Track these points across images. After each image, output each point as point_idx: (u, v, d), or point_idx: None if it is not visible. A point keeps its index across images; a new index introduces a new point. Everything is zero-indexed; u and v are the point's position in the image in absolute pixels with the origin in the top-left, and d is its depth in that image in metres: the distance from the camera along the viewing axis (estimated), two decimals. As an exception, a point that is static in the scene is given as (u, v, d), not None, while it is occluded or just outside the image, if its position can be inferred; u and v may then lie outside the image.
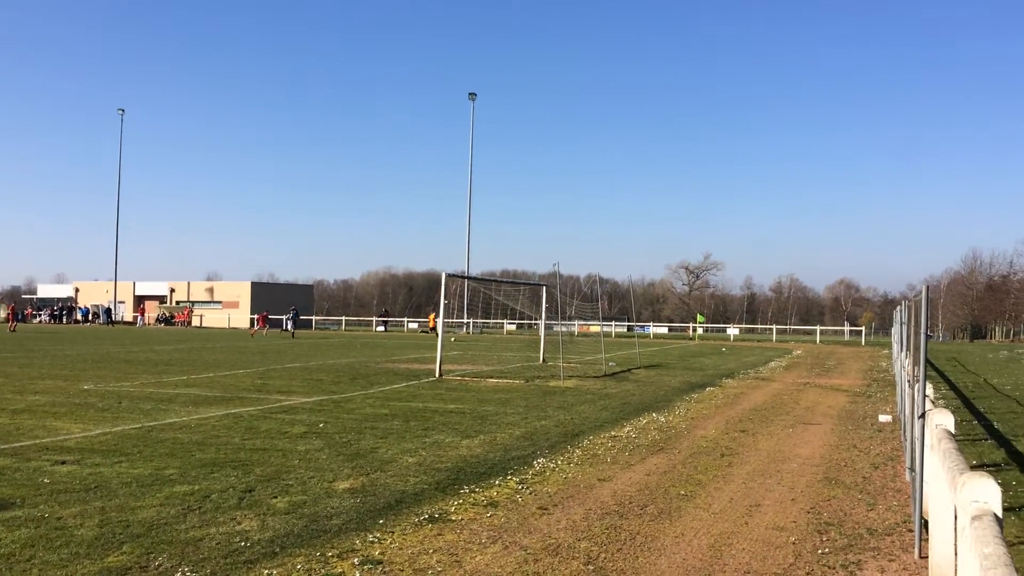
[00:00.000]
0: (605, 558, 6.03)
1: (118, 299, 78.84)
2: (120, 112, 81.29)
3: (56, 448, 9.91)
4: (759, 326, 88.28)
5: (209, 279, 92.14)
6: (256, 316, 52.34)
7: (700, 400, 16.85)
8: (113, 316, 75.52)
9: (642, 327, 71.15)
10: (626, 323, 67.48)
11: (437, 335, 37.46)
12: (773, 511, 7.57)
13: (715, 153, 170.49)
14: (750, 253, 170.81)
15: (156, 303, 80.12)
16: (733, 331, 68.26)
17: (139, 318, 75.14)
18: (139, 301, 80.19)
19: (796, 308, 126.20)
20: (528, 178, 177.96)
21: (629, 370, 24.58)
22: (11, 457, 9.26)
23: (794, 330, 79.84)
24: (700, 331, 63.50)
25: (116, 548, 5.97)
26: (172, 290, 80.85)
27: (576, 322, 40.11)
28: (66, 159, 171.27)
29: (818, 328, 64.57)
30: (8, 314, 53.83)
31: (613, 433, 12.04)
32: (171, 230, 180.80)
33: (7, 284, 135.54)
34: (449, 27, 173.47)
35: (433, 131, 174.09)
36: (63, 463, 8.97)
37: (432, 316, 46.52)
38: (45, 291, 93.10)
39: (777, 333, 65.22)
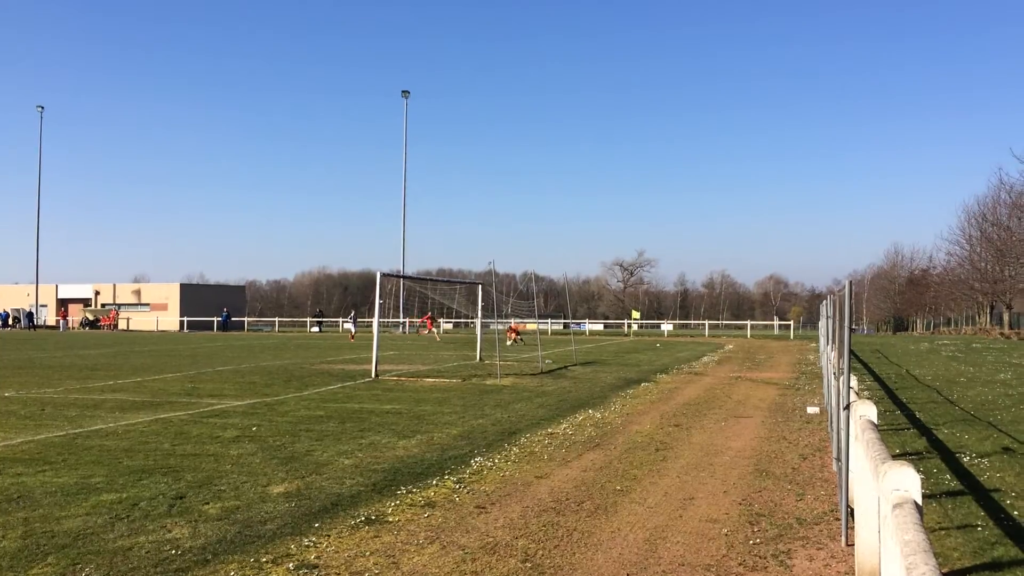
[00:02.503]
0: (542, 555, 6.07)
1: (40, 302, 76.11)
2: (39, 109, 78.46)
3: (-26, 458, 9.53)
4: (692, 321, 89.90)
5: (136, 281, 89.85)
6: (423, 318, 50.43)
7: (635, 396, 17.07)
8: (35, 320, 72.87)
9: (578, 324, 71.75)
10: (562, 320, 67.96)
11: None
12: (706, 504, 7.71)
13: (647, 151, 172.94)
14: (683, 250, 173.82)
15: (80, 306, 77.62)
16: (667, 327, 69.33)
17: (62, 322, 72.73)
18: (62, 304, 77.58)
19: (728, 303, 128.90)
20: (463, 177, 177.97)
21: (566, 367, 24.76)
22: (-74, 469, 8.88)
23: (726, 325, 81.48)
24: (635, 327, 64.35)
25: (41, 559, 5.77)
26: (97, 292, 78.40)
27: (513, 320, 40.20)
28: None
29: (749, 323, 66.03)
30: None
31: (550, 430, 12.11)
32: (95, 231, 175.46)
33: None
34: (382, 26, 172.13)
35: (366, 130, 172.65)
36: (-18, 474, 8.63)
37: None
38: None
39: (709, 328, 66.50)
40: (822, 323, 20.77)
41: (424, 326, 47.61)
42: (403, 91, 67.63)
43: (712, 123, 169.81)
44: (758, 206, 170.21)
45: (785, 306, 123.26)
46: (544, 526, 6.85)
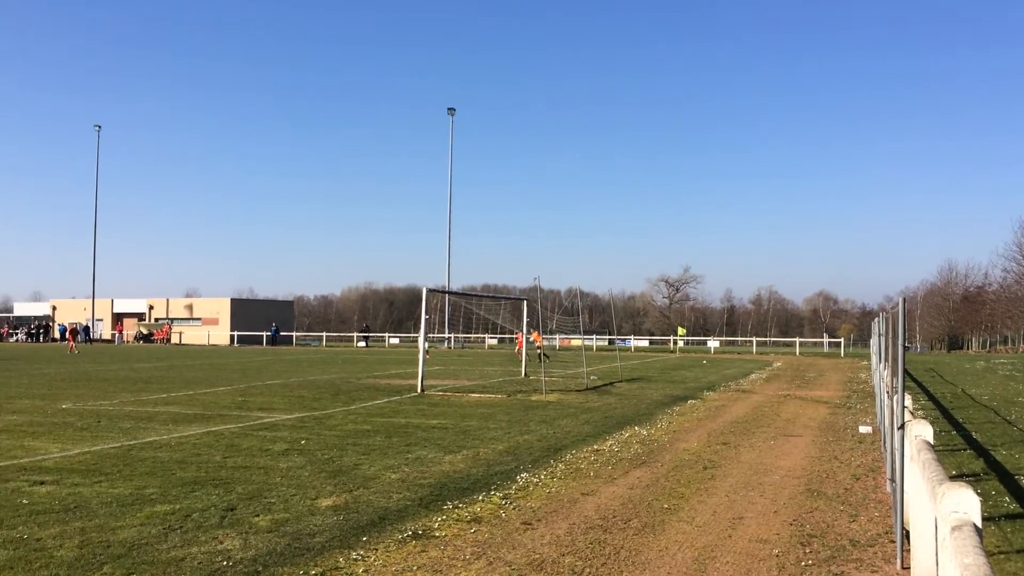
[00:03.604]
0: (589, 573, 6.03)
1: (96, 317, 78.05)
2: (96, 128, 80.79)
3: (34, 468, 9.79)
4: (739, 338, 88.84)
5: (188, 296, 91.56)
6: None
7: (682, 413, 16.91)
8: (91, 334, 74.72)
9: (623, 340, 71.34)
10: (607, 336, 67.66)
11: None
12: (756, 523, 7.60)
13: (694, 166, 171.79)
14: (729, 266, 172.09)
15: (135, 320, 79.42)
16: (713, 343, 68.59)
17: (117, 335, 74.41)
18: (117, 318, 79.46)
19: (776, 320, 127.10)
20: (508, 192, 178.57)
21: (611, 384, 24.63)
22: (-12, 478, 9.14)
23: (774, 342, 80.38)
24: (681, 344, 63.75)
25: (96, 569, 5.90)
26: (151, 307, 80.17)
27: (557, 336, 40.09)
28: (42, 176, 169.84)
29: (797, 340, 65.07)
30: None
31: (596, 447, 12.05)
32: (149, 247, 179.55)
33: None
34: (429, 40, 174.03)
35: (413, 145, 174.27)
36: (41, 484, 8.86)
37: (519, 336, 41.17)
38: (21, 309, 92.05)
39: (757, 345, 65.64)
40: (874, 341, 20.38)
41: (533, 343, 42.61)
42: (449, 108, 68.28)
43: (759, 138, 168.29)
44: (806, 221, 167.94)
45: (835, 323, 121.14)
46: (591, 543, 6.81)
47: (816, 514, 7.98)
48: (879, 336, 14.32)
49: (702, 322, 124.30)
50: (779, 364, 40.19)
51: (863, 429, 14.20)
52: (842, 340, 64.48)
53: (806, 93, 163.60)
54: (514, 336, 40.01)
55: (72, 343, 50.01)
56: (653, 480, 9.61)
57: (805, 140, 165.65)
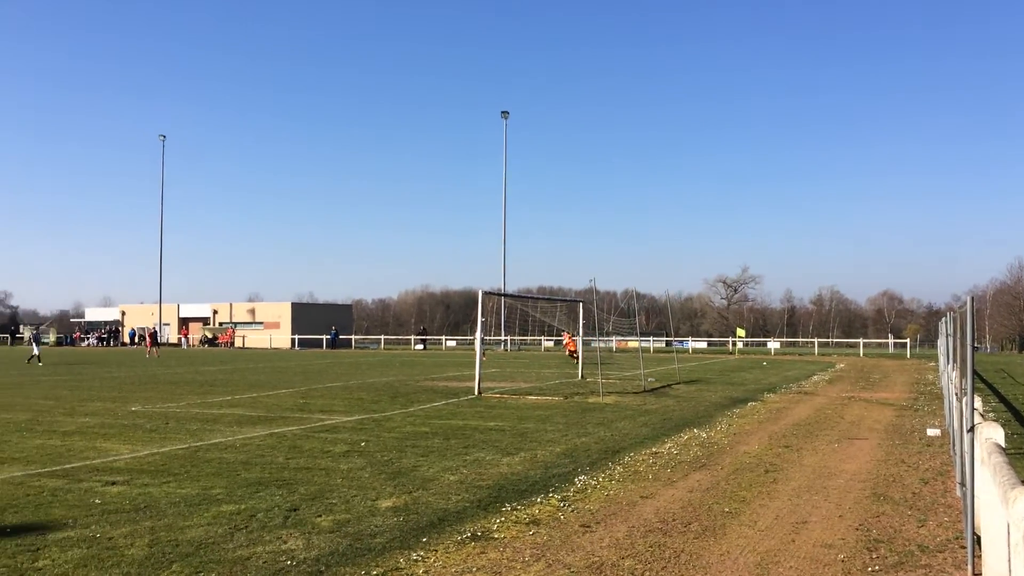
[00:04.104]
0: (650, 576, 6.00)
1: (163, 321, 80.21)
2: (161, 138, 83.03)
3: (106, 469, 10.11)
4: (800, 339, 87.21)
5: (250, 300, 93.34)
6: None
7: (742, 415, 16.68)
8: (159, 338, 76.78)
9: (680, 342, 70.65)
10: (664, 338, 67.09)
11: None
12: (820, 528, 7.46)
13: (750, 165, 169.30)
14: (789, 266, 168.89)
15: (200, 324, 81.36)
16: (774, 345, 67.50)
17: (183, 339, 76.32)
18: (183, 323, 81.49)
19: (838, 321, 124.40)
20: (563, 193, 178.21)
21: (668, 386, 24.42)
22: (63, 479, 9.46)
23: (836, 343, 78.72)
24: (740, 345, 62.87)
25: (166, 567, 6.07)
26: (215, 311, 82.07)
27: (614, 338, 39.91)
28: (111, 184, 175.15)
29: (861, 341, 63.65)
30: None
31: (654, 449, 11.96)
32: (213, 252, 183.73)
33: (56, 308, 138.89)
34: (482, 41, 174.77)
35: (468, 148, 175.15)
36: (113, 484, 9.14)
37: (569, 337, 40.15)
38: (92, 315, 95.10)
39: (819, 346, 64.36)
40: (941, 341, 19.83)
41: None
42: (502, 112, 68.48)
43: (818, 136, 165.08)
44: (869, 219, 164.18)
45: (900, 323, 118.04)
46: (651, 547, 6.76)
47: (883, 519, 7.80)
48: (946, 336, 13.94)
49: (761, 323, 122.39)
50: (842, 365, 39.36)
51: (931, 432, 13.83)
52: (908, 341, 62.80)
53: (870, 90, 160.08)
54: (562, 337, 39.87)
55: (150, 347, 51.28)
56: (713, 483, 9.50)
57: (868, 138, 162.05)
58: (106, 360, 44.21)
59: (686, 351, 61.66)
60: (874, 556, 6.55)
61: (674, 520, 7.68)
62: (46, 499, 8.35)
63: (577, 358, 37.83)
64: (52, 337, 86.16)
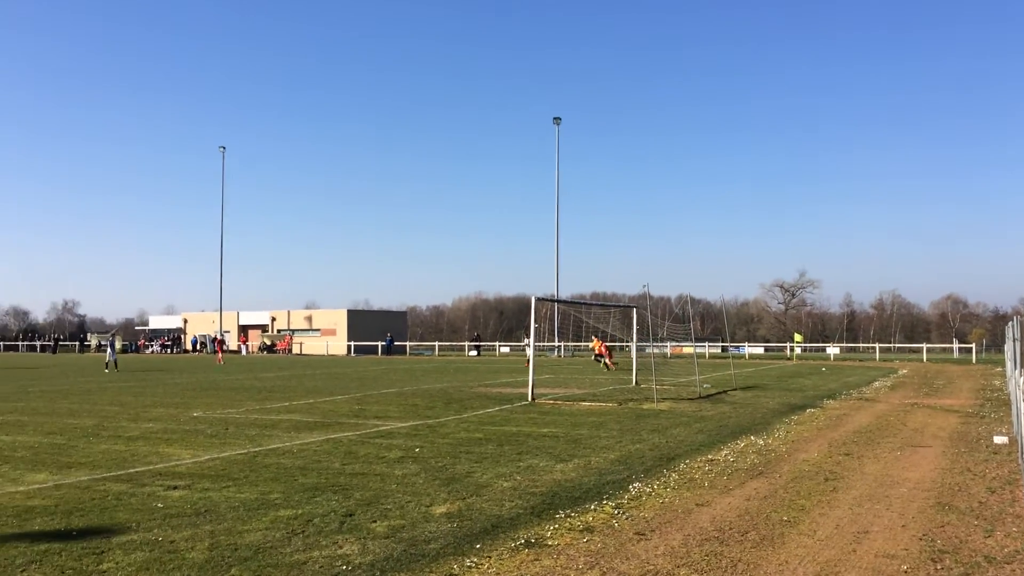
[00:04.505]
0: (706, 585, 5.91)
1: (223, 328, 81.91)
2: (221, 149, 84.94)
3: (168, 474, 10.35)
4: (861, 345, 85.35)
5: (307, 308, 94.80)
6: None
7: (800, 422, 16.37)
8: (226, 345, 78.40)
9: (737, 348, 69.69)
10: (720, 344, 66.26)
11: (606, 366, 37.23)
12: (883, 538, 7.27)
13: (808, 167, 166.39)
14: (848, 270, 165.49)
15: (259, 331, 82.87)
16: (833, 350, 66.18)
17: (243, 347, 77.80)
18: (243, 330, 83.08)
19: (900, 325, 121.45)
20: (616, 198, 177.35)
21: (725, 392, 24.09)
22: (127, 483, 9.71)
23: (898, 348, 76.81)
24: (798, 351, 61.78)
25: (225, 571, 6.18)
26: (273, 319, 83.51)
27: (668, 343, 39.53)
28: (174, 194, 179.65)
29: (924, 346, 62.08)
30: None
31: (710, 456, 11.81)
32: (271, 260, 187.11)
33: (122, 316, 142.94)
34: (534, 46, 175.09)
35: (519, 152, 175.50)
36: (175, 488, 9.35)
37: (598, 342, 39.98)
38: (156, 322, 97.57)
39: (880, 352, 62.92)
40: (1008, 346, 19.22)
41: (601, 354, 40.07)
42: (555, 118, 68.53)
43: (875, 137, 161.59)
44: (931, 222, 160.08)
45: (965, 328, 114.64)
46: (707, 555, 6.67)
47: (948, 528, 7.58)
48: (1014, 341, 13.49)
49: (820, 328, 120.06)
50: (905, 371, 38.40)
51: (998, 439, 13.40)
52: (973, 346, 60.99)
53: (933, 91, 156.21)
54: (605, 343, 39.77)
55: (220, 355, 52.32)
56: (771, 491, 9.33)
57: (926, 138, 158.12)
58: (169, 367, 45.30)
59: (742, 357, 60.79)
60: (939, 567, 6.36)
61: (731, 529, 7.57)
62: (111, 503, 8.58)
63: (607, 363, 37.74)
64: (118, 344, 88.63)
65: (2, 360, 57.24)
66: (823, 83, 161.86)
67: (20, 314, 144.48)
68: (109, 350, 42.08)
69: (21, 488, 9.43)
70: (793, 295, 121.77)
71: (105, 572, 6.15)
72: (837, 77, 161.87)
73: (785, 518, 8.00)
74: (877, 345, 66.14)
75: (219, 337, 58.14)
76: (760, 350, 72.66)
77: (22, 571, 6.17)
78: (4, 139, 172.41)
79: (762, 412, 18.39)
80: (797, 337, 63.90)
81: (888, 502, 8.78)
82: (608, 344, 39.06)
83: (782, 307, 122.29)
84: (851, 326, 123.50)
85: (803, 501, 8.80)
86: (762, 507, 8.49)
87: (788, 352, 62.96)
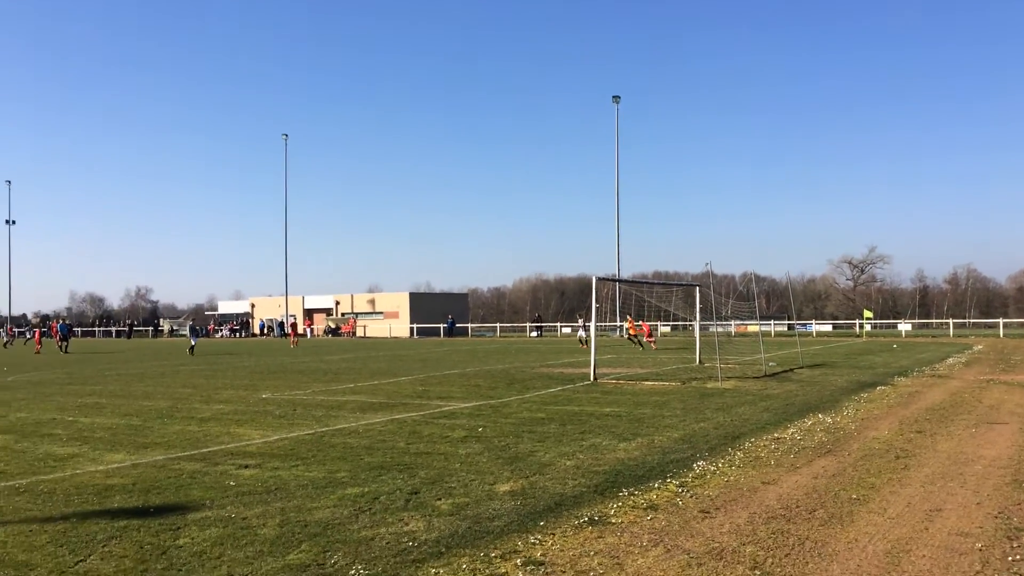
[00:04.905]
0: (772, 563, 5.84)
1: (289, 313, 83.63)
2: (284, 137, 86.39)
3: (239, 453, 10.63)
4: (933, 320, 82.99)
5: (370, 291, 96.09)
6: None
7: (870, 400, 16.01)
8: (286, 329, 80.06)
9: (803, 325, 68.40)
10: (786, 322, 65.10)
11: (640, 344, 37.21)
12: (956, 516, 7.09)
13: (875, 141, 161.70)
14: (920, 244, 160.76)
15: (323, 315, 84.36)
16: (904, 327, 64.51)
17: (308, 330, 79.32)
18: (308, 314, 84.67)
19: (975, 300, 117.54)
20: (678, 175, 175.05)
21: (791, 370, 23.69)
22: (200, 462, 10.01)
23: (974, 324, 74.48)
24: (867, 328, 60.36)
25: (296, 546, 6.33)
26: (337, 303, 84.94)
27: (732, 322, 39.00)
28: (240, 181, 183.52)
29: (1001, 321, 60.02)
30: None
31: (776, 435, 11.64)
32: (334, 245, 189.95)
33: (192, 302, 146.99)
34: (594, 25, 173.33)
35: (580, 132, 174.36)
36: (246, 467, 9.61)
37: (631, 322, 40.22)
38: (225, 307, 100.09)
39: (954, 327, 61.10)
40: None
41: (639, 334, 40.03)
42: (614, 97, 67.85)
43: (946, 110, 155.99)
44: (1007, 194, 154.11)
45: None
46: (773, 533, 6.58)
47: (1026, 507, 7.34)
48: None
49: (891, 304, 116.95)
50: (980, 347, 37.22)
51: (1081, 416, 12.91)
52: (1054, 320, 58.76)
53: (999, 66, 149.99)
54: (639, 324, 39.60)
55: (293, 337, 53.43)
56: (840, 470, 9.16)
57: (999, 111, 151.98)
58: (238, 350, 46.44)
59: (809, 334, 59.64)
60: (1015, 545, 6.17)
61: (798, 507, 7.46)
62: (185, 481, 8.86)
63: (640, 343, 37.42)
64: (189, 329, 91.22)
65: (80, 345, 59.40)
66: (886, 58, 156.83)
67: (96, 301, 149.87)
68: (191, 335, 44.08)
69: (101, 467, 9.80)
70: (862, 271, 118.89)
71: (182, 547, 6.36)
72: (903, 52, 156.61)
73: (854, 496, 7.85)
74: (951, 321, 64.20)
75: (293, 321, 59.37)
76: (828, 328, 71.22)
77: (103, 546, 6.43)
78: (80, 132, 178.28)
79: (830, 390, 18.04)
80: (867, 314, 62.35)
81: (962, 480, 8.54)
82: (674, 324, 38.81)
83: (851, 283, 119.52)
84: (923, 302, 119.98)
85: (873, 479, 8.61)
86: (830, 485, 8.34)
87: (857, 329, 61.57)
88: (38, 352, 45.80)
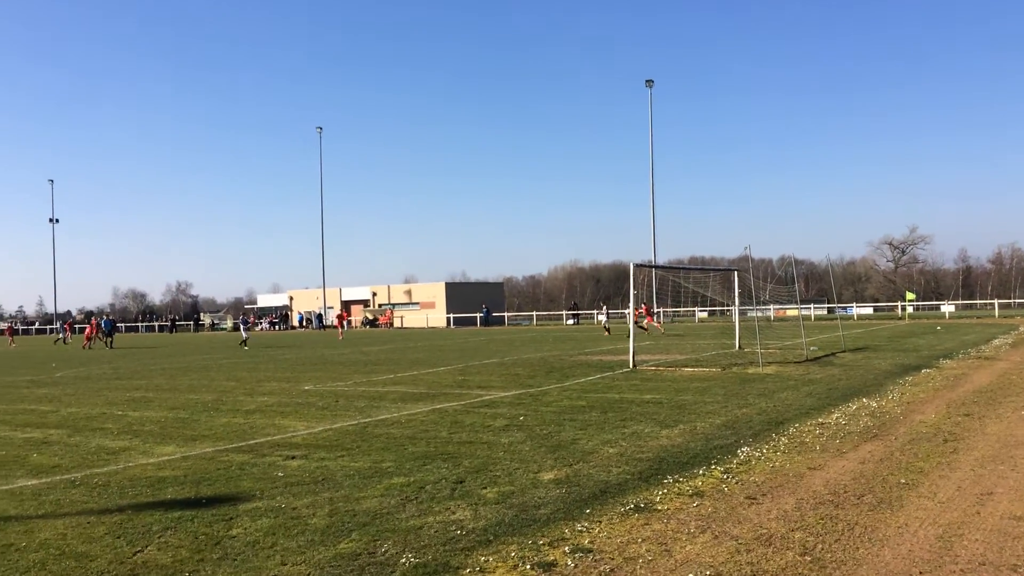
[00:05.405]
0: (822, 548, 5.81)
1: (327, 305, 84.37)
2: (318, 130, 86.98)
3: (285, 444, 10.79)
4: (978, 301, 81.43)
5: (406, 282, 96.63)
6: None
7: (915, 383, 15.79)
8: (324, 321, 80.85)
9: (844, 308, 67.50)
10: (826, 305, 64.31)
11: (646, 330, 37.21)
12: (1008, 499, 6.98)
13: (916, 119, 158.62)
14: (962, 223, 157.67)
15: (360, 307, 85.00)
16: (948, 308, 63.44)
17: (345, 322, 79.89)
18: (345, 306, 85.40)
19: (1020, 280, 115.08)
20: (712, 159, 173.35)
21: (833, 354, 23.43)
22: (248, 453, 10.18)
23: (1019, 304, 72.90)
24: (910, 310, 59.41)
25: (346, 535, 6.43)
26: (374, 294, 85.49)
27: (772, 306, 38.63)
28: (274, 177, 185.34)
29: (1049, 300, 58.69)
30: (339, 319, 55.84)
31: (820, 420, 11.54)
32: (369, 237, 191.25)
33: (231, 296, 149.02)
34: (627, 6, 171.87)
35: (612, 118, 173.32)
36: (293, 458, 9.75)
37: (637, 311, 40.04)
38: (264, 301, 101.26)
39: (1000, 308, 59.90)
40: None
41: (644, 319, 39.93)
42: (647, 80, 67.31)
43: (985, 86, 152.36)
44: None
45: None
46: (821, 519, 6.55)
47: (1081, 491, 7.21)
48: None
49: (933, 285, 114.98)
50: (1027, 327, 36.46)
51: None
52: (1104, 298, 57.36)
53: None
54: (643, 310, 39.56)
55: (340, 329, 53.89)
56: (887, 454, 9.06)
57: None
58: (278, 343, 47.01)
59: (850, 318, 58.84)
60: (1073, 530, 6.07)
61: (846, 492, 7.40)
62: (235, 472, 9.02)
63: (643, 325, 37.32)
64: (229, 323, 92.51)
65: (125, 340, 60.50)
66: (925, 34, 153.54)
67: (138, 296, 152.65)
68: (243, 329, 44.91)
69: (152, 460, 10.01)
70: (903, 252, 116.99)
71: (235, 537, 6.49)
72: (943, 29, 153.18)
73: (903, 481, 7.77)
74: (996, 301, 62.92)
75: (340, 313, 60.00)
76: (869, 310, 70.25)
77: (159, 536, 6.58)
78: (120, 131, 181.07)
79: (874, 374, 17.82)
80: (909, 296, 61.39)
81: (1013, 463, 8.41)
82: (711, 309, 38.71)
83: (891, 265, 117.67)
84: (967, 282, 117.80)
85: (921, 463, 8.51)
86: (878, 470, 8.26)
87: (900, 311, 60.63)
88: (86, 347, 46.74)
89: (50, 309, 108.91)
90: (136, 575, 5.69)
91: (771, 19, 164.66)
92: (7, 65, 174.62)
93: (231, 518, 7.06)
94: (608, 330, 41.70)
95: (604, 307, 49.64)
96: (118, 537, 6.60)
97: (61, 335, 61.59)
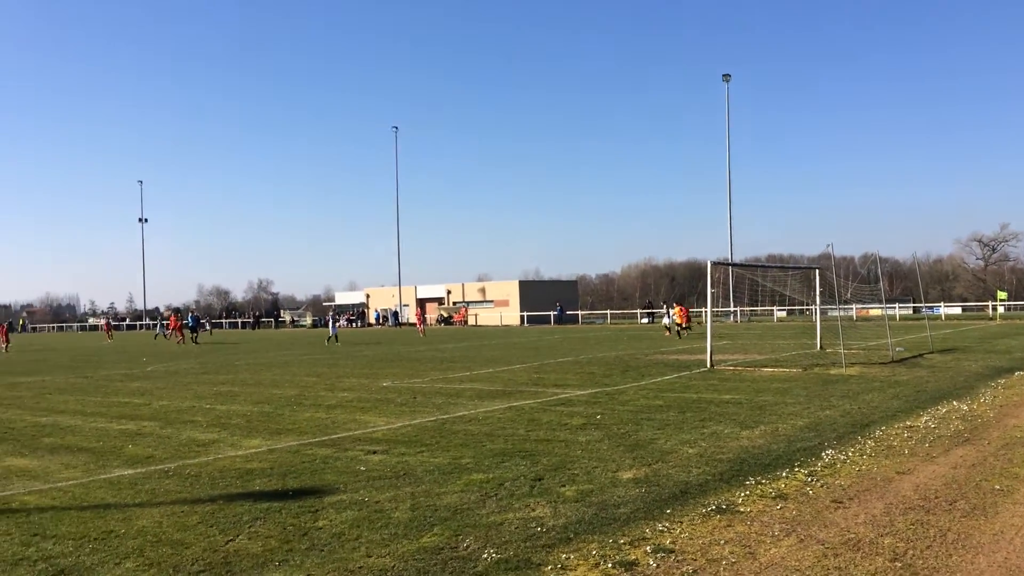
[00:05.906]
0: (913, 555, 5.65)
1: (403, 302, 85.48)
2: (394, 129, 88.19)
3: (366, 439, 11.01)
4: (1076, 301, 77.65)
5: (480, 280, 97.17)
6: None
7: (1009, 386, 15.18)
8: (400, 318, 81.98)
9: (931, 308, 65.24)
10: (912, 304, 62.29)
11: (679, 333, 36.72)
12: (1114, 510, 6.67)
13: (1003, 111, 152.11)
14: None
15: (435, 305, 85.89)
16: (1043, 308, 60.57)
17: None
18: (420, 304, 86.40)
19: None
20: (792, 154, 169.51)
21: (920, 355, 22.68)
22: (331, 448, 10.42)
23: (1122, 304, 69.21)
24: (1001, 310, 57.05)
25: (428, 530, 6.53)
26: (448, 292, 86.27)
27: (854, 306, 37.58)
28: (351, 176, 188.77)
29: None
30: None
31: (908, 423, 11.20)
32: (444, 235, 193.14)
33: (310, 293, 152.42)
34: (702, 3, 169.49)
35: (688, 112, 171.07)
36: (374, 453, 9.94)
37: (679, 310, 39.28)
38: (341, 298, 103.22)
39: (1100, 308, 56.99)
40: None
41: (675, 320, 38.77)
42: (724, 75, 66.31)
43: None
44: None
45: None
46: (912, 524, 6.36)
47: None
48: None
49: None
50: None
51: None
52: None
53: None
54: (673, 309, 38.81)
55: (421, 326, 54.53)
56: (980, 459, 8.75)
57: None
58: (356, 340, 47.87)
59: (938, 318, 56.82)
60: None
61: (936, 498, 7.17)
62: (319, 466, 9.24)
63: (680, 329, 36.50)
64: (308, 320, 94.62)
65: (209, 336, 62.42)
66: (1013, 25, 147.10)
67: (222, 294, 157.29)
68: (332, 325, 45.76)
69: (240, 452, 10.34)
70: (994, 249, 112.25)
71: (321, 529, 6.66)
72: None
73: (997, 487, 7.49)
74: (1095, 301, 59.90)
75: (419, 311, 60.83)
76: (957, 310, 67.73)
77: (249, 526, 6.80)
78: (204, 135, 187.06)
79: (964, 376, 17.19)
80: (1001, 295, 58.94)
81: (1119, 471, 8.02)
82: (791, 308, 37.89)
83: (981, 263, 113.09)
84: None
85: (1017, 469, 8.19)
86: (970, 475, 7.99)
87: (990, 311, 58.30)
88: (179, 342, 48.36)
89: (139, 306, 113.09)
90: (229, 563, 5.89)
91: (850, 5, 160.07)
92: (103, 77, 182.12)
93: (317, 510, 7.24)
94: (669, 330, 41.13)
95: (665, 307, 49.09)
96: (211, 526, 6.84)
97: (160, 331, 63.74)
